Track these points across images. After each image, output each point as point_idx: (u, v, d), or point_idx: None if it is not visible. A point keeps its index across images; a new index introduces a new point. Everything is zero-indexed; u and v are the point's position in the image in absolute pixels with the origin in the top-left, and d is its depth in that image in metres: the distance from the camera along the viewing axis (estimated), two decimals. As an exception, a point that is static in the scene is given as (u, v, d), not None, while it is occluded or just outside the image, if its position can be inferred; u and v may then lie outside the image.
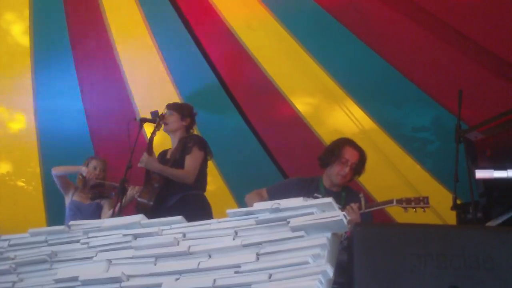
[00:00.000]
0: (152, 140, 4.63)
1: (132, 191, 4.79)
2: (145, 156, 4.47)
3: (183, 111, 4.83)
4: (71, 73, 6.05)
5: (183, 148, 4.64)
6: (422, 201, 3.77)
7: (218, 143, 6.09)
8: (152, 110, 4.70)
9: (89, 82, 6.20)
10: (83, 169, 5.18)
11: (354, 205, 3.76)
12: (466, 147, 3.62)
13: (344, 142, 4.15)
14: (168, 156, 4.72)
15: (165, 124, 4.71)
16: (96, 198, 5.16)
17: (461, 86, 4.08)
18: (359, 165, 4.07)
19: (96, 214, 5.04)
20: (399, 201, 3.79)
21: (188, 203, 4.45)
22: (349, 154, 4.05)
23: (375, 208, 3.84)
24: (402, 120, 5.67)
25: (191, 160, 4.56)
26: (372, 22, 5.19)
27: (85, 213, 5.00)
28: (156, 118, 4.65)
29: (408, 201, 3.78)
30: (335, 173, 4.04)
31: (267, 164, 6.18)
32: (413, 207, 3.77)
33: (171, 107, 4.83)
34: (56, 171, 5.28)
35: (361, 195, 3.88)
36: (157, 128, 4.65)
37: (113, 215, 4.27)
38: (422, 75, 5.15)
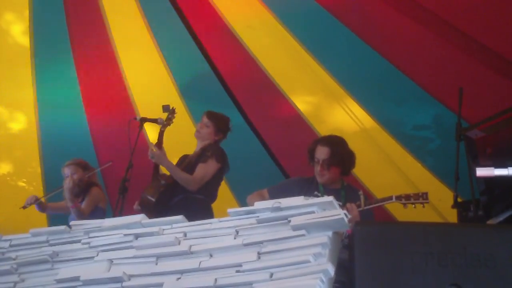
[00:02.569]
0: (163, 134, 4.65)
1: (65, 184, 4.89)
2: (156, 150, 4.47)
3: (220, 125, 4.76)
4: (71, 73, 6.05)
5: (200, 155, 4.62)
6: (421, 197, 3.76)
7: (219, 142, 6.09)
8: (164, 104, 4.75)
9: (89, 81, 6.20)
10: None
11: (353, 204, 3.76)
12: (466, 145, 3.61)
13: (315, 142, 4.16)
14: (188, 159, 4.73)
15: (198, 132, 4.71)
16: (81, 197, 5.17)
17: (461, 84, 4.06)
18: (333, 159, 4.03)
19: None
20: (398, 198, 3.79)
21: (189, 203, 4.46)
22: (319, 153, 4.05)
23: (374, 205, 3.83)
24: (402, 119, 5.67)
25: (202, 170, 4.52)
26: (372, 20, 5.19)
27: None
28: (167, 112, 4.68)
29: (407, 197, 3.77)
30: (315, 174, 4.08)
31: (267, 163, 6.18)
32: (412, 203, 3.76)
33: (211, 117, 4.76)
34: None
35: (360, 192, 3.87)
36: (167, 123, 4.68)
37: (114, 215, 4.27)
38: (422, 73, 5.14)
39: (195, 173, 4.51)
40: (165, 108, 4.73)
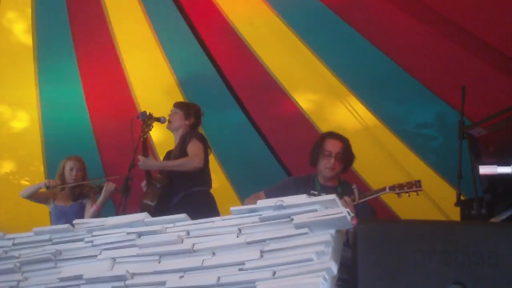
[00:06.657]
0: (145, 141, 4.56)
1: (108, 186, 4.89)
2: (141, 158, 4.44)
3: (188, 110, 4.80)
4: (73, 71, 6.06)
5: (182, 144, 4.63)
6: (414, 185, 3.74)
7: (221, 141, 6.11)
8: (141, 111, 4.69)
9: (91, 80, 6.20)
10: (44, 183, 5.10)
11: (348, 198, 3.74)
12: (469, 143, 3.61)
13: (324, 136, 4.16)
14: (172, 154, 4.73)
15: (169, 122, 4.72)
16: (77, 198, 5.15)
17: (464, 82, 4.07)
18: (345, 153, 4.03)
19: (80, 213, 5.03)
20: (392, 188, 3.77)
21: (191, 200, 4.46)
22: (330, 146, 4.03)
23: (368, 198, 3.80)
24: (405, 117, 5.66)
25: (193, 147, 4.53)
26: (374, 18, 5.18)
27: (69, 215, 4.97)
28: (144, 119, 4.58)
29: (401, 186, 3.76)
30: (322, 168, 4.03)
31: (270, 161, 6.18)
32: (406, 192, 3.74)
33: (177, 105, 4.84)
34: (23, 194, 5.16)
35: (353, 186, 3.84)
36: (146, 129, 4.57)
37: (117, 214, 4.27)
38: (425, 72, 5.13)
39: (189, 152, 4.50)
40: (142, 115, 4.62)
